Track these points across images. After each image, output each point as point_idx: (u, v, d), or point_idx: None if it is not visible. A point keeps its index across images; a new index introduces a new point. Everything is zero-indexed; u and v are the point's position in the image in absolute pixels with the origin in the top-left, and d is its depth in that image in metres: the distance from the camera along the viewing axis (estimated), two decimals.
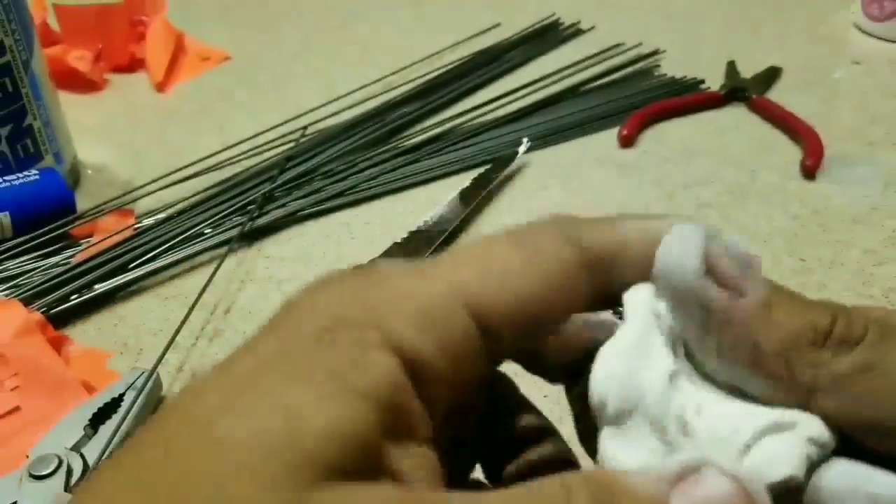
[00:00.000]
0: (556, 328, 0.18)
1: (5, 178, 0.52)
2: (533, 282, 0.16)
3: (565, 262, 0.17)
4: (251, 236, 0.52)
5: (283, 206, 0.54)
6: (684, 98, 0.65)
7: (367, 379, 0.14)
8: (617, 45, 0.72)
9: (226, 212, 0.53)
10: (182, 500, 0.13)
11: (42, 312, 0.45)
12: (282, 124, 0.62)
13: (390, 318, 0.15)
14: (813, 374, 0.17)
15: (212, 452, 0.13)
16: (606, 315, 0.18)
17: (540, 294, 0.16)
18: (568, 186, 0.56)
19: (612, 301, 0.18)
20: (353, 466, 0.14)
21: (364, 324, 0.15)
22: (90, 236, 0.52)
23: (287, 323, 0.15)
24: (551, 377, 0.21)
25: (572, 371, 0.19)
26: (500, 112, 0.64)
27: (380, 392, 0.14)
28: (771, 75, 0.67)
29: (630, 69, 0.69)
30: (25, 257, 0.50)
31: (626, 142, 0.60)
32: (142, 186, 0.56)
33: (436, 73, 0.70)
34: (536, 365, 0.20)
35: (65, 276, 0.47)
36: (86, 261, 0.49)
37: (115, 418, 0.38)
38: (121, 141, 0.64)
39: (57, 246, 0.51)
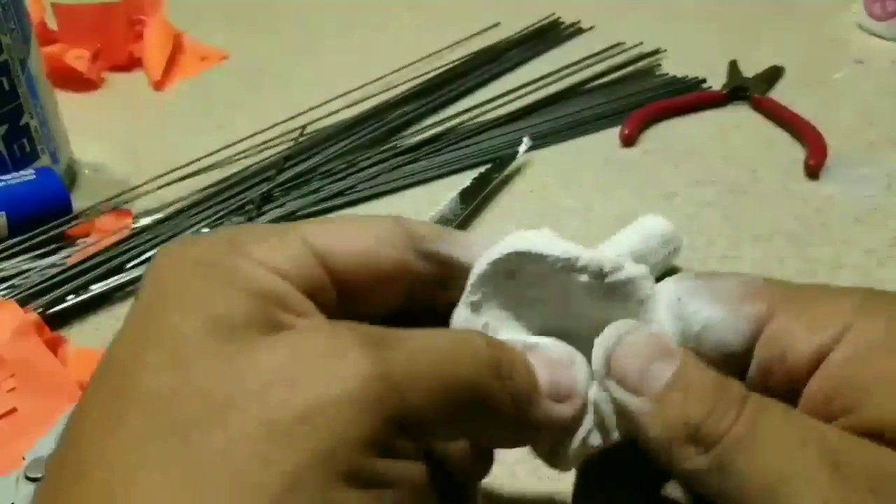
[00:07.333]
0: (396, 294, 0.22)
1: (1, 177, 0.52)
2: (365, 238, 0.21)
3: (390, 229, 0.21)
4: None
5: (282, 206, 0.54)
6: (686, 97, 0.65)
7: (255, 282, 0.19)
8: (617, 45, 0.72)
9: (224, 212, 0.53)
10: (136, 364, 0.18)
11: (38, 313, 0.44)
12: (280, 123, 0.62)
13: (254, 248, 0.19)
14: (683, 465, 0.18)
15: (159, 340, 0.18)
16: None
17: (368, 247, 0.20)
18: (568, 186, 0.56)
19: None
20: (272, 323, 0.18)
21: (235, 251, 0.19)
22: (87, 236, 0.52)
23: (173, 263, 0.19)
24: None
25: None
26: (500, 111, 0.64)
27: (262, 284, 0.19)
28: (773, 75, 0.67)
29: (631, 68, 0.69)
30: (21, 257, 0.50)
31: (628, 141, 0.60)
32: (139, 186, 0.56)
33: (435, 73, 0.69)
34: None
35: (61, 277, 0.47)
36: (82, 261, 0.48)
37: None
38: (118, 140, 0.64)
39: (53, 246, 0.51)
